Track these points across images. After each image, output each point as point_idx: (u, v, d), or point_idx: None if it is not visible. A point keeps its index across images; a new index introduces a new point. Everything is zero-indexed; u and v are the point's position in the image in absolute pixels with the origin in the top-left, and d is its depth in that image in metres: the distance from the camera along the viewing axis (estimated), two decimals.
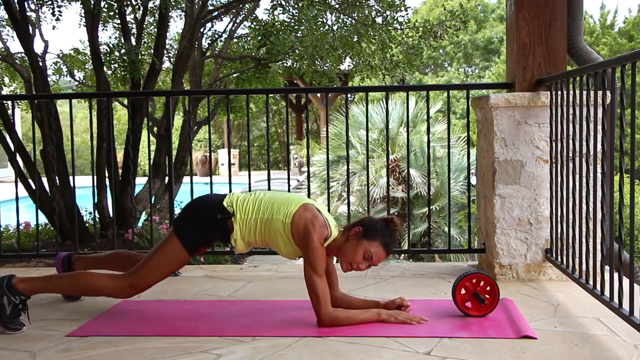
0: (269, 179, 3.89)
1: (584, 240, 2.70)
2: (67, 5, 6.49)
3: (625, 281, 2.40)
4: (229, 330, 2.52)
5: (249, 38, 8.48)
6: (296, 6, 7.05)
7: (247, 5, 7.72)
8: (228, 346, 2.34)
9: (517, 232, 3.31)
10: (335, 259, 2.74)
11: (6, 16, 6.98)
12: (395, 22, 7.17)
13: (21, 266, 4.77)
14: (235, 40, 8.56)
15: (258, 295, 3.13)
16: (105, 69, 6.41)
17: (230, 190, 3.81)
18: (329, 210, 3.19)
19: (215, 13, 7.47)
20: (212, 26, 8.40)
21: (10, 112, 5.81)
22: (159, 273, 2.67)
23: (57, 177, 5.92)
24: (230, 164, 7.59)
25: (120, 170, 6.48)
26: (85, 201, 6.66)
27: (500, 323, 2.55)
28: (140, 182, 6.85)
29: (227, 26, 8.98)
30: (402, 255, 9.59)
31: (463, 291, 2.67)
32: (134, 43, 6.55)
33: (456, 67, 26.48)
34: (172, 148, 4.00)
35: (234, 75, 8.24)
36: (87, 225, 6.43)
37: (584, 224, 2.68)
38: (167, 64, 8.75)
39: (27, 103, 8.02)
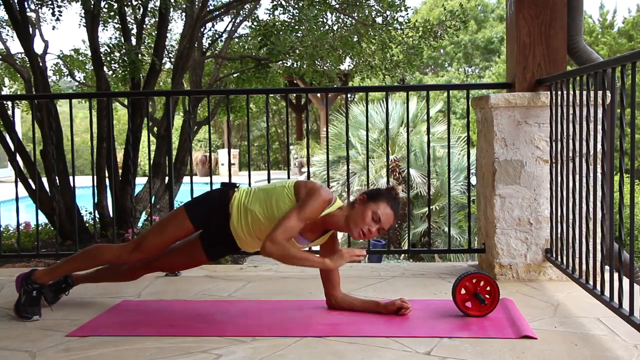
0: (269, 179, 3.89)
1: (584, 240, 2.70)
2: (67, 5, 6.49)
3: (625, 281, 2.40)
4: (229, 330, 2.52)
5: (249, 38, 8.49)
6: (296, 6, 7.05)
7: (247, 6, 7.72)
8: (228, 346, 2.34)
9: (517, 232, 3.31)
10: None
11: (6, 16, 6.98)
12: (395, 22, 7.18)
13: (21, 266, 4.77)
14: (235, 40, 8.56)
15: (258, 295, 3.13)
16: (105, 69, 6.41)
17: None
18: None
19: (216, 13, 7.47)
20: (213, 26, 8.42)
21: (10, 112, 5.81)
22: (162, 237, 2.70)
23: (57, 177, 5.92)
24: (230, 164, 7.60)
25: (120, 170, 6.48)
26: (85, 201, 6.66)
27: (500, 323, 2.55)
28: (140, 182, 6.86)
29: (227, 26, 8.99)
30: (402, 255, 9.60)
31: (463, 291, 2.67)
32: (134, 43, 6.55)
33: (456, 67, 26.46)
34: (172, 148, 4.00)
35: (234, 75, 8.24)
36: (87, 225, 6.43)
37: (584, 224, 2.68)
38: (167, 64, 8.75)
39: (27, 103, 8.03)
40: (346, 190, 3.88)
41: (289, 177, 3.99)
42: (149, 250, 2.71)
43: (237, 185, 2.74)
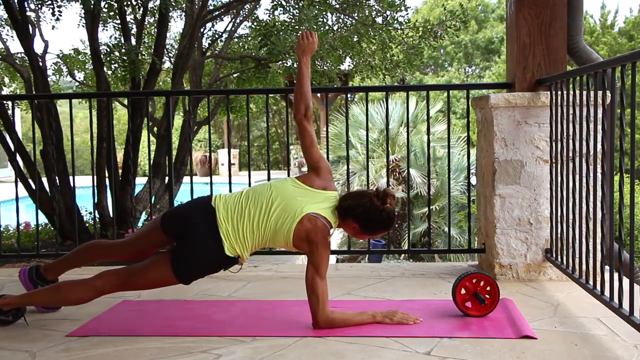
0: (269, 179, 3.88)
1: (584, 240, 2.70)
2: (67, 5, 6.49)
3: (625, 281, 2.40)
4: (229, 330, 2.52)
5: (249, 38, 8.49)
6: (296, 6, 7.05)
7: (247, 6, 7.72)
8: (228, 346, 2.34)
9: (517, 232, 3.31)
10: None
11: (6, 16, 6.98)
12: (395, 22, 7.17)
13: (21, 266, 4.76)
14: (235, 40, 8.56)
15: (258, 295, 3.13)
16: (105, 69, 6.41)
17: (230, 190, 3.80)
18: None
19: (216, 13, 7.47)
20: (212, 26, 8.41)
21: (10, 112, 5.81)
22: (149, 287, 2.69)
23: (57, 177, 5.92)
24: (230, 164, 7.59)
25: (120, 170, 6.48)
26: (85, 201, 6.67)
27: (500, 323, 2.55)
28: (140, 182, 6.85)
29: (227, 26, 8.98)
30: (402, 255, 9.60)
31: (463, 291, 2.67)
32: (134, 43, 6.55)
33: (456, 67, 26.46)
34: (172, 148, 4.00)
35: (234, 75, 8.24)
36: (87, 225, 6.43)
37: (584, 224, 2.68)
38: (167, 64, 8.75)
39: (27, 103, 8.02)
40: (346, 190, 3.88)
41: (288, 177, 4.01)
42: (133, 289, 2.70)
43: (238, 257, 2.56)
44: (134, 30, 7.16)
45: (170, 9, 7.11)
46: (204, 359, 2.22)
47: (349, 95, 9.04)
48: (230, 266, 2.60)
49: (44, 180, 5.86)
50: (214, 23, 8.38)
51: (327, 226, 2.52)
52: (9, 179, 14.79)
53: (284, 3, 7.14)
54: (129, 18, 7.02)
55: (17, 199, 3.89)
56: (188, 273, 2.56)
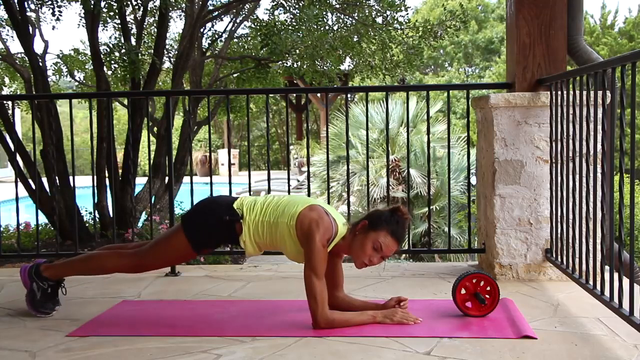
0: (269, 179, 3.89)
1: (584, 240, 2.70)
2: (67, 5, 6.49)
3: (625, 281, 2.40)
4: (229, 330, 2.52)
5: (249, 38, 8.49)
6: (297, 6, 7.05)
7: (247, 6, 7.72)
8: (228, 346, 2.34)
9: (517, 232, 3.31)
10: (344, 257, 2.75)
11: (6, 16, 6.98)
12: (395, 22, 7.18)
13: (21, 266, 4.76)
14: (235, 40, 8.56)
15: (258, 295, 3.13)
16: (105, 69, 6.41)
17: (230, 191, 3.82)
18: None
19: (215, 13, 7.47)
20: (212, 26, 8.41)
21: (10, 112, 5.81)
22: (165, 261, 2.82)
23: (57, 177, 5.92)
24: (230, 164, 7.60)
25: (120, 170, 6.48)
26: (85, 201, 6.66)
27: (500, 323, 2.55)
28: (140, 182, 6.85)
29: (227, 26, 8.98)
30: (402, 255, 9.60)
31: (463, 291, 2.67)
32: (134, 43, 6.55)
33: (456, 67, 26.46)
34: (172, 148, 4.00)
35: (234, 75, 8.24)
36: (87, 225, 6.43)
37: (584, 224, 2.68)
38: (167, 64, 8.75)
39: (27, 103, 8.02)
40: (346, 190, 3.88)
41: (289, 177, 4.03)
42: (151, 269, 2.85)
43: (242, 217, 2.59)
44: (134, 30, 7.16)
45: (170, 9, 7.12)
46: (204, 359, 2.22)
47: (349, 95, 9.04)
48: (230, 221, 2.59)
49: (44, 180, 5.86)
50: (214, 23, 8.38)
51: (332, 227, 2.52)
52: (9, 179, 14.79)
53: (284, 3, 7.15)
54: (129, 18, 7.03)
55: (17, 199, 3.89)
56: (197, 231, 2.62)
